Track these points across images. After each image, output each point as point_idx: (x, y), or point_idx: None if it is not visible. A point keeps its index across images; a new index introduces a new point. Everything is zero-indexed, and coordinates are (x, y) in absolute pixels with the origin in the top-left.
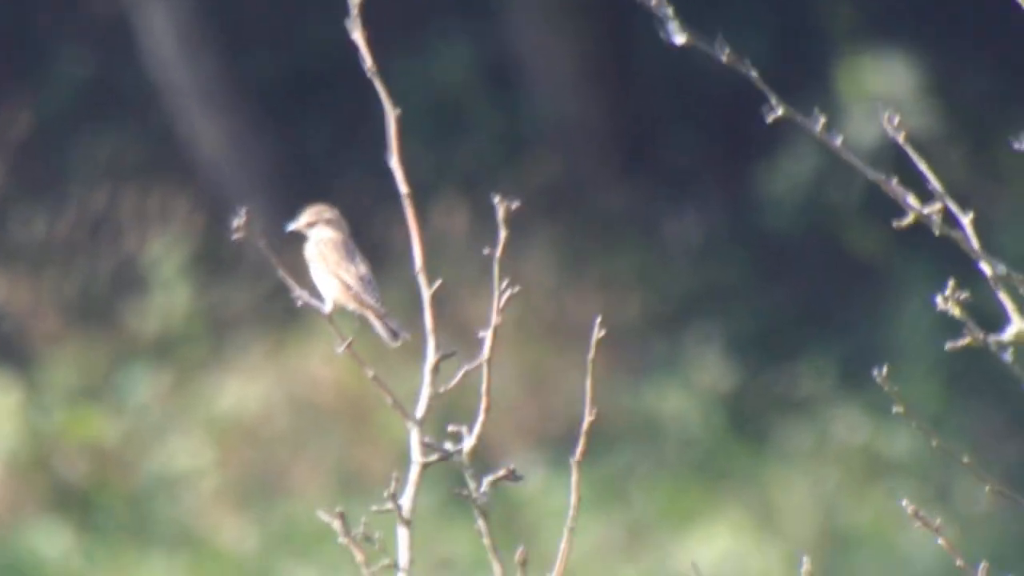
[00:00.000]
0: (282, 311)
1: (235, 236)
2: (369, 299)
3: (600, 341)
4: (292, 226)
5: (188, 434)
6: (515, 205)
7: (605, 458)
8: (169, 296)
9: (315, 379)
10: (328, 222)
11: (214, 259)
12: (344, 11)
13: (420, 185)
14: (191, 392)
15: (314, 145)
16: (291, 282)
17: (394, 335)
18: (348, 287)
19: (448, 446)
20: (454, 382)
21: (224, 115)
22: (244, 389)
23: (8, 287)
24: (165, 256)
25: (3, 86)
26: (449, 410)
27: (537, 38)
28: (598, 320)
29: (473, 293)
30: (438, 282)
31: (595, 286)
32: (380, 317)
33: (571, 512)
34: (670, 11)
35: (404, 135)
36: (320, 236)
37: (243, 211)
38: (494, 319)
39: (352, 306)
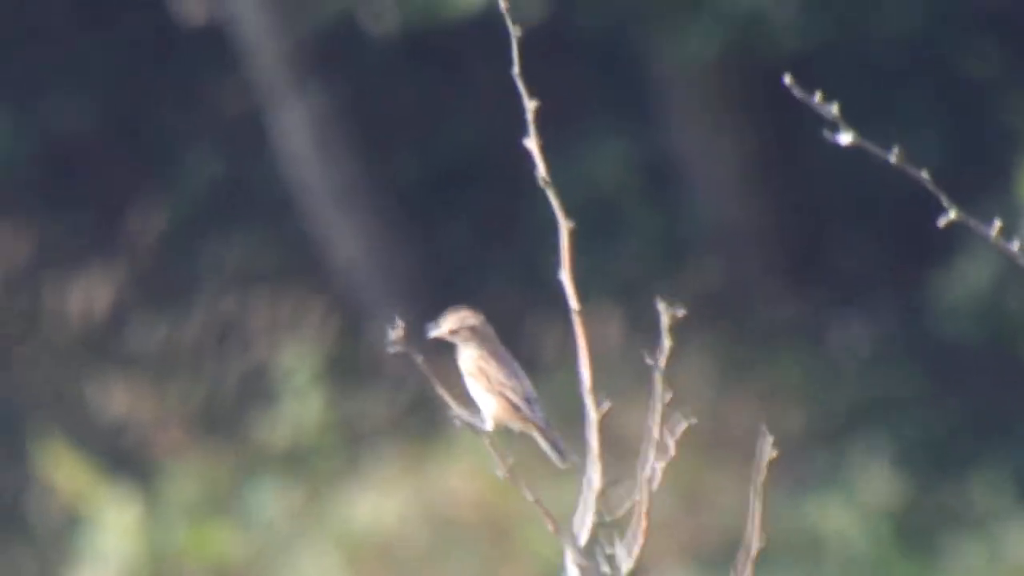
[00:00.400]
0: (420, 422)
1: (390, 350)
2: (538, 420)
3: (766, 461)
4: (434, 333)
5: (320, 553)
6: (680, 313)
7: None
8: (301, 406)
9: (455, 494)
10: (473, 330)
11: (349, 367)
12: (491, 106)
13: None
14: (323, 507)
15: (456, 248)
16: (450, 400)
17: (562, 456)
18: (515, 408)
19: (605, 569)
20: (621, 511)
21: (361, 216)
22: (379, 504)
23: (130, 396)
24: (297, 364)
25: (130, 187)
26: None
27: (697, 136)
28: (768, 441)
29: (626, 404)
30: (607, 405)
31: (756, 397)
32: (548, 437)
33: None
34: (835, 110)
35: (554, 237)
36: (473, 348)
37: (398, 321)
38: (656, 436)
39: (516, 425)
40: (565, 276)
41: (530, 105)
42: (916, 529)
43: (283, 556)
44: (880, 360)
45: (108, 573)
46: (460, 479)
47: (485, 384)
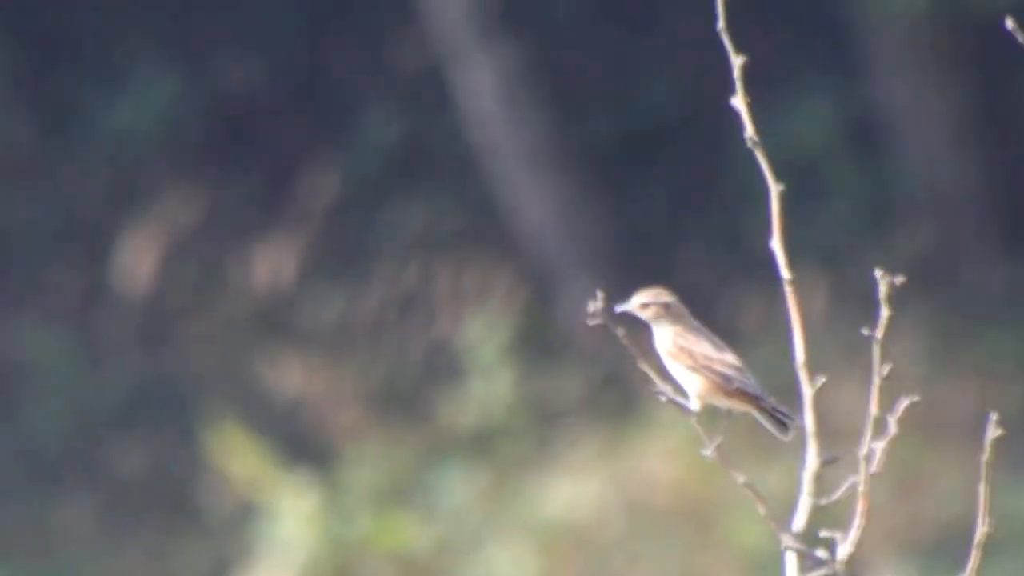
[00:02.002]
0: (615, 400)
1: (591, 322)
2: (753, 388)
3: (991, 439)
4: (623, 307)
5: (509, 541)
6: (899, 280)
7: (984, 569)
8: (488, 384)
9: (653, 478)
10: (667, 307)
11: (539, 342)
12: (687, 63)
13: (775, 259)
14: (513, 493)
15: (651, 214)
16: (654, 375)
17: (784, 426)
18: (727, 380)
19: (820, 554)
20: (838, 494)
21: (551, 180)
22: (573, 490)
23: (306, 375)
24: (484, 339)
25: (304, 150)
26: (812, 510)
27: (907, 93)
28: (993, 418)
29: (833, 378)
30: (822, 379)
31: (971, 373)
32: (768, 408)
33: None
34: None
35: (756, 201)
36: (668, 325)
37: (599, 294)
38: (873, 412)
39: (724, 402)
40: (776, 243)
41: (737, 61)
42: None
43: (471, 546)
44: None
45: (286, 566)
46: (658, 462)
47: (688, 362)
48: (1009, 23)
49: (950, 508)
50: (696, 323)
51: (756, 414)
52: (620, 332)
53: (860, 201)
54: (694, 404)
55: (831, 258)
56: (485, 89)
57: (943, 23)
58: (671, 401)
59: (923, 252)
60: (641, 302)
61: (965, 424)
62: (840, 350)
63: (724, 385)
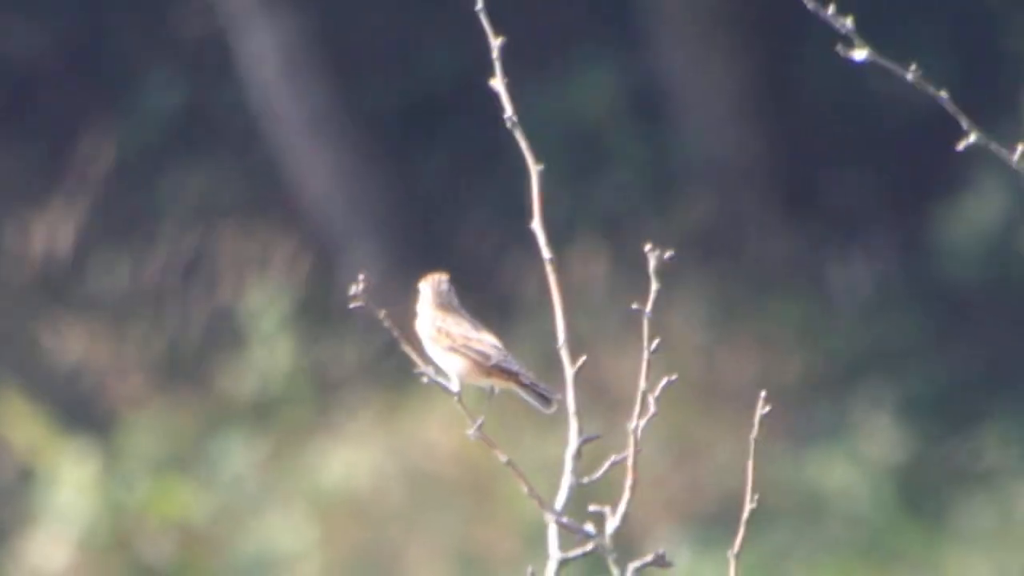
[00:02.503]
0: (395, 370)
1: (352, 305)
2: (510, 366)
3: (760, 417)
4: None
5: (289, 510)
6: (668, 255)
7: (761, 538)
8: (269, 353)
9: (433, 447)
10: (438, 295)
11: (320, 310)
12: (471, 31)
13: (556, 228)
14: (292, 462)
15: (433, 183)
16: (415, 356)
17: (546, 401)
18: (485, 358)
19: (589, 528)
20: (599, 473)
21: (333, 148)
22: (352, 458)
23: (87, 342)
24: (265, 307)
25: (85, 116)
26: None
27: (688, 64)
28: (762, 395)
29: (613, 347)
30: (582, 359)
31: (751, 343)
32: (528, 384)
33: None
34: (850, 23)
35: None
36: (431, 312)
37: (360, 276)
38: (643, 389)
39: (484, 381)
40: (536, 223)
41: (495, 43)
42: (923, 486)
43: (250, 514)
44: (882, 303)
45: (65, 532)
46: (438, 431)
47: (446, 343)
48: None
49: (729, 479)
50: (462, 310)
51: (517, 390)
52: (382, 314)
53: (642, 171)
54: (455, 384)
55: (613, 228)
56: (267, 57)
57: None
58: (432, 381)
59: (705, 222)
60: (425, 292)
61: (745, 395)
62: (621, 320)
63: (482, 363)
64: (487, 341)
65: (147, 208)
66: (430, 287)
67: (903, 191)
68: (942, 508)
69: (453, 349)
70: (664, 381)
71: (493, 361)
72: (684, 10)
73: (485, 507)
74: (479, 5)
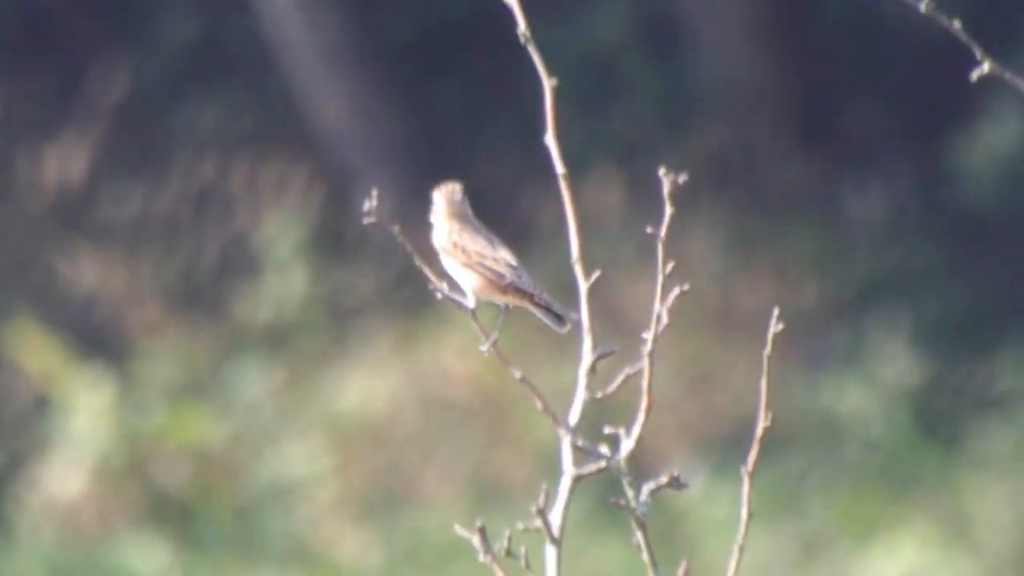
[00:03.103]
0: (411, 297)
1: (365, 221)
2: (524, 285)
3: (773, 334)
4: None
5: (304, 436)
6: (682, 179)
7: (776, 463)
8: (284, 280)
9: (448, 374)
10: (451, 204)
11: (335, 238)
12: None
13: (571, 157)
14: (308, 389)
15: (449, 110)
16: (429, 273)
17: (561, 320)
18: (500, 277)
19: (603, 450)
20: (613, 387)
21: (348, 77)
22: (368, 385)
23: (102, 270)
24: (280, 235)
25: (98, 46)
26: (603, 407)
27: None
28: (775, 312)
29: (630, 275)
30: (596, 273)
31: (767, 270)
32: (542, 304)
33: (741, 528)
34: None
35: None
36: (447, 224)
37: (373, 193)
38: (657, 310)
39: (499, 299)
40: (550, 138)
41: None
42: (938, 410)
43: (266, 439)
44: (898, 230)
45: (80, 459)
46: (453, 357)
47: (462, 258)
48: None
49: (744, 404)
50: (476, 221)
51: (532, 309)
52: (395, 229)
53: (656, 98)
54: (470, 300)
55: (628, 156)
56: None
57: None
58: (447, 298)
59: (720, 150)
60: (436, 204)
61: (760, 321)
62: (637, 247)
63: (497, 281)
64: (502, 259)
65: (161, 138)
66: (443, 196)
67: (919, 118)
68: (957, 432)
69: (468, 265)
70: (676, 290)
71: (507, 280)
72: None
73: (500, 432)
74: None
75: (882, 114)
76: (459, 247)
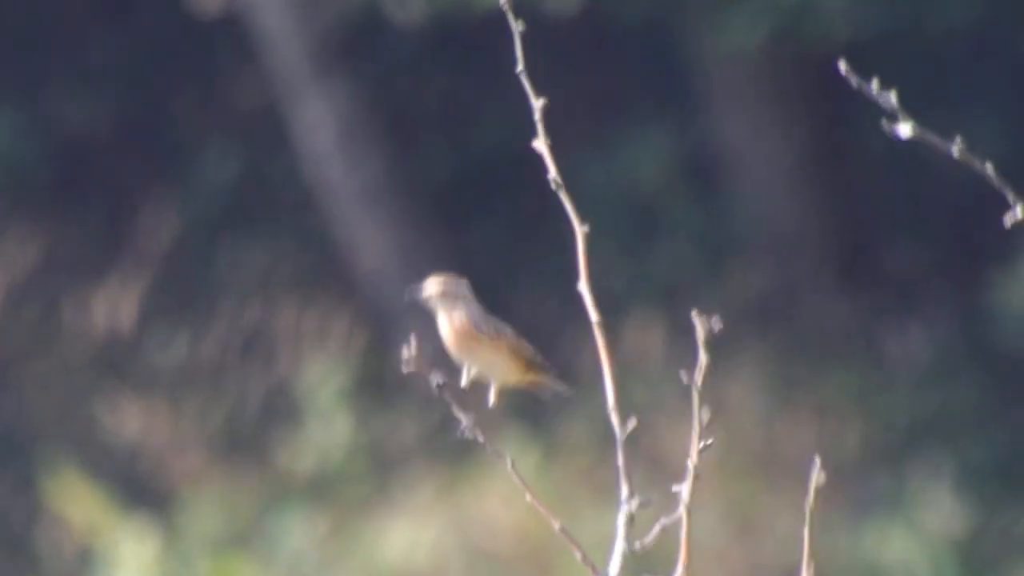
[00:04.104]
0: (455, 445)
1: (404, 370)
2: (544, 361)
3: (816, 487)
4: (422, 294)
5: None
6: (717, 324)
7: None
8: (327, 428)
9: (492, 523)
10: (464, 296)
11: (377, 384)
12: (526, 101)
13: (611, 298)
14: (351, 539)
15: (490, 254)
16: (462, 415)
17: (566, 383)
18: (531, 355)
19: None
20: (650, 537)
21: (389, 218)
22: (411, 535)
23: (145, 418)
24: (323, 381)
25: (142, 189)
26: (646, 557)
27: (742, 131)
28: (817, 463)
29: (671, 419)
30: (632, 422)
31: (809, 413)
32: (554, 373)
33: None
34: (894, 99)
35: (591, 240)
36: (466, 307)
37: (411, 340)
38: (693, 459)
39: (522, 379)
40: (583, 286)
41: (537, 104)
42: (984, 559)
43: None
44: (941, 372)
45: None
46: (497, 505)
47: (497, 340)
48: (843, 65)
49: (789, 552)
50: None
51: (548, 381)
52: (435, 378)
53: (698, 239)
54: (500, 381)
55: (668, 297)
56: (322, 127)
57: (781, 59)
58: (470, 435)
59: (761, 290)
60: (436, 290)
61: (803, 465)
62: (678, 392)
63: (529, 359)
64: (518, 338)
65: (206, 282)
66: (461, 281)
67: (959, 258)
68: None
69: (500, 347)
70: (709, 441)
71: (536, 358)
72: (739, 77)
73: None
74: (519, 67)
75: (922, 254)
76: (497, 330)
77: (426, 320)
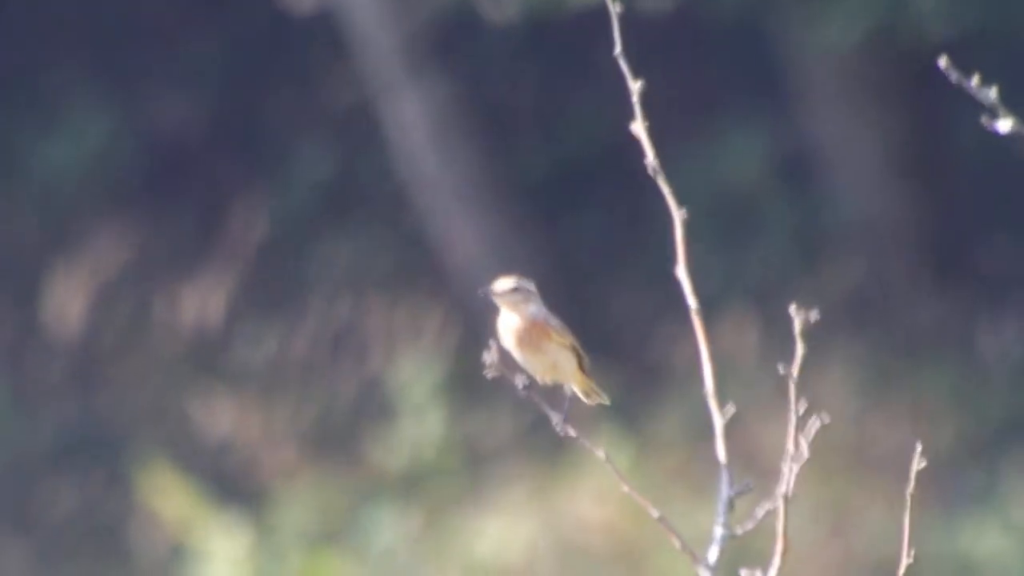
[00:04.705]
0: (548, 441)
1: (487, 374)
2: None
3: (916, 471)
4: (496, 291)
5: None
6: (814, 316)
7: None
8: (420, 424)
9: (585, 520)
10: (534, 295)
11: (471, 381)
12: (620, 97)
13: (706, 295)
14: (444, 535)
15: (584, 247)
16: (552, 414)
17: (603, 394)
18: (586, 363)
19: None
20: (752, 524)
21: (483, 215)
22: (505, 532)
23: (237, 415)
24: (415, 378)
25: (235, 187)
26: (739, 550)
27: (839, 126)
28: (918, 448)
29: (765, 416)
30: (731, 409)
31: (903, 409)
32: (595, 381)
33: None
34: (994, 94)
35: (688, 238)
36: (536, 307)
37: (493, 343)
38: (791, 448)
39: (579, 382)
40: (681, 271)
41: (635, 86)
42: None
43: None
44: None
45: None
46: (590, 502)
47: (566, 340)
48: (943, 62)
49: (882, 547)
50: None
51: (594, 388)
52: (519, 381)
53: (792, 236)
54: (562, 381)
55: (763, 293)
56: (416, 124)
57: (876, 56)
58: (561, 431)
59: (855, 287)
60: (511, 286)
61: (896, 461)
62: (772, 387)
63: (586, 363)
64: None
65: (298, 278)
66: (529, 282)
67: None
68: None
69: (567, 347)
70: (817, 424)
71: (586, 362)
72: (834, 74)
73: None
74: (617, 50)
75: (1016, 251)
76: (565, 328)
77: None
